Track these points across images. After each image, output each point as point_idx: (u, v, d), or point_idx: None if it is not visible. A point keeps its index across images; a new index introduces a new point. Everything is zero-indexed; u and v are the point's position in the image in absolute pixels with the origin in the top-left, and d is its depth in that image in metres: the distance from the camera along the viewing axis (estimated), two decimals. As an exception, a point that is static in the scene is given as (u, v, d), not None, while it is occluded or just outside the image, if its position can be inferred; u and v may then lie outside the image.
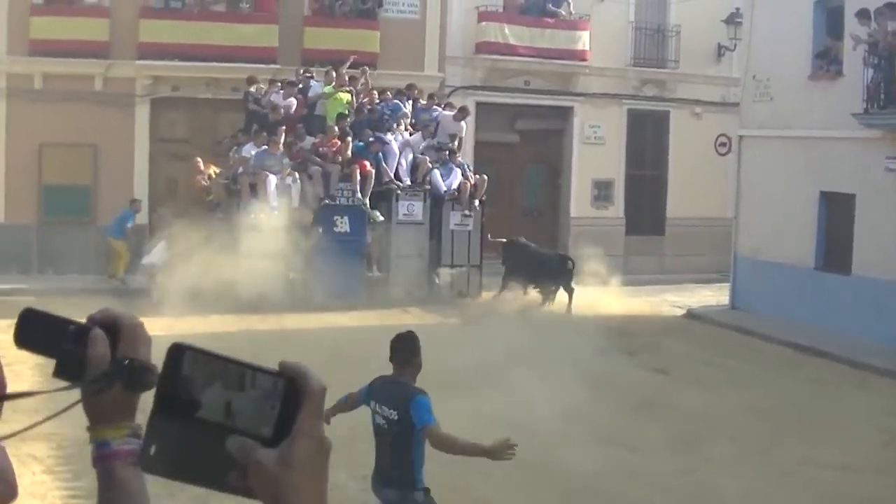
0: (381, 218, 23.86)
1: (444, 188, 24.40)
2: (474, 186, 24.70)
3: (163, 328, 19.10)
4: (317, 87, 25.14)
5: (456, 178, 24.62)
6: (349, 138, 23.81)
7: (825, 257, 22.86)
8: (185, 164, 25.80)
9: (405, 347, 8.02)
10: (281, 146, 23.36)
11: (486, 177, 25.08)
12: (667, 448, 13.26)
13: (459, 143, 25.71)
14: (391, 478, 7.95)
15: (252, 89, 24.83)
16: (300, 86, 25.20)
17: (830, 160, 22.34)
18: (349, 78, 25.30)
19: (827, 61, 22.96)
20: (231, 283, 21.96)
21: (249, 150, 23.45)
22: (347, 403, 8.33)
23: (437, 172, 24.41)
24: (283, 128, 23.82)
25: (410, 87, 25.87)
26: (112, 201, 25.34)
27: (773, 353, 20.31)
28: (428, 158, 24.66)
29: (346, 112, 24.37)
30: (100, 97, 25.80)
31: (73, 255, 24.74)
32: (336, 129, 23.83)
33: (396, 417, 7.81)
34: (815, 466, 12.38)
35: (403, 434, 7.79)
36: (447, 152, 24.72)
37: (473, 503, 10.97)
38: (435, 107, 25.90)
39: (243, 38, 26.10)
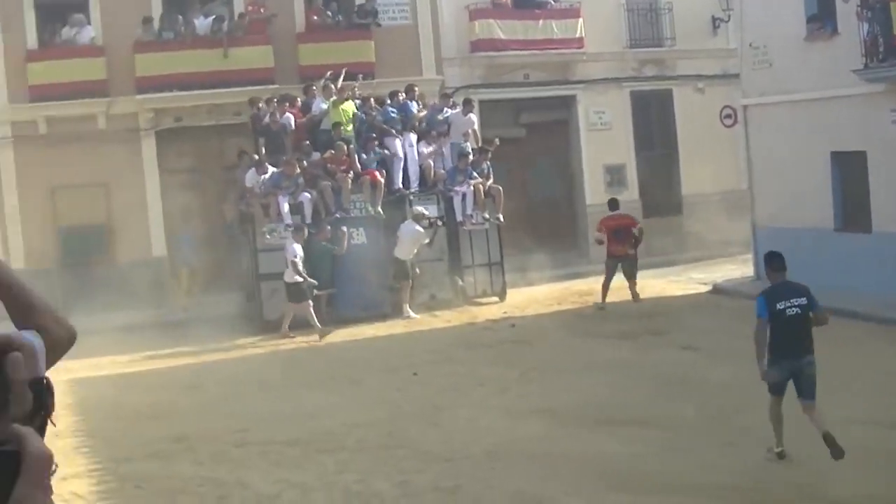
0: (428, 213, 23.72)
1: (461, 214, 24.41)
2: (490, 195, 24.64)
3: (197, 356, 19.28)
4: (319, 102, 25.14)
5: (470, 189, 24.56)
6: (352, 146, 23.82)
7: (844, 218, 22.75)
8: (197, 192, 25.95)
9: (778, 259, 11.89)
10: (296, 166, 23.33)
11: (500, 188, 24.99)
12: (703, 423, 13.23)
13: (475, 137, 25.73)
14: (807, 347, 11.43)
15: (259, 107, 24.70)
16: (300, 102, 25.21)
17: (837, 120, 22.25)
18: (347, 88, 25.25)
19: (821, 21, 22.88)
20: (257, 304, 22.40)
21: (253, 178, 23.48)
22: (764, 329, 11.46)
23: (456, 200, 24.42)
24: (291, 146, 23.97)
25: (409, 88, 25.82)
26: (128, 237, 25.51)
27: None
28: (433, 164, 24.67)
29: (345, 121, 24.26)
30: (105, 135, 25.94)
31: (96, 294, 24.82)
32: (345, 147, 23.77)
33: (805, 302, 11.51)
34: (859, 425, 12.31)
35: (807, 314, 11.49)
36: (471, 155, 24.71)
37: (511, 498, 10.95)
38: (446, 108, 25.84)
39: (239, 61, 26.20)
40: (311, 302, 21.48)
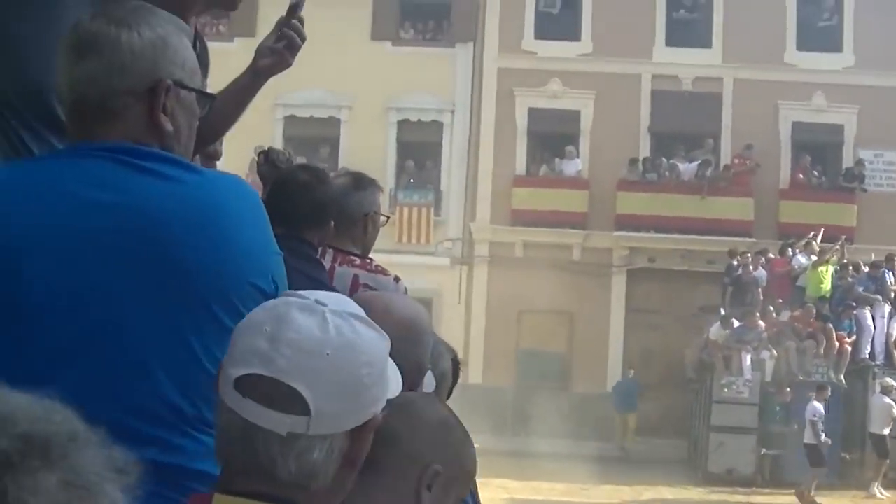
0: None
1: None
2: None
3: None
4: (799, 259, 24.48)
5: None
6: (829, 324, 22.92)
7: None
8: (659, 334, 25.99)
9: None
10: (760, 321, 22.84)
11: None
12: None
13: None
14: None
15: (734, 262, 24.52)
16: (778, 256, 24.73)
17: None
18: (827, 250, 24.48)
19: None
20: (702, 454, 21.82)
21: (718, 329, 23.16)
22: None
23: None
24: (761, 300, 23.47)
25: (889, 257, 24.56)
26: (586, 368, 25.85)
27: None
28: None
29: (821, 283, 23.48)
30: (577, 266, 26.60)
31: (546, 418, 25.20)
32: (813, 308, 23.02)
33: None
34: None
35: None
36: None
37: None
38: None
39: (719, 210, 26.18)
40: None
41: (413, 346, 2.32)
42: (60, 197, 1.91)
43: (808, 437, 20.48)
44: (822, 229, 24.82)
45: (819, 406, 20.64)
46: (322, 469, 1.52)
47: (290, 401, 1.50)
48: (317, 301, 1.58)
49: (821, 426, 20.39)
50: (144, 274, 1.89)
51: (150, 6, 2.08)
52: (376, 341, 1.59)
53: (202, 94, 2.11)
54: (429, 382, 2.61)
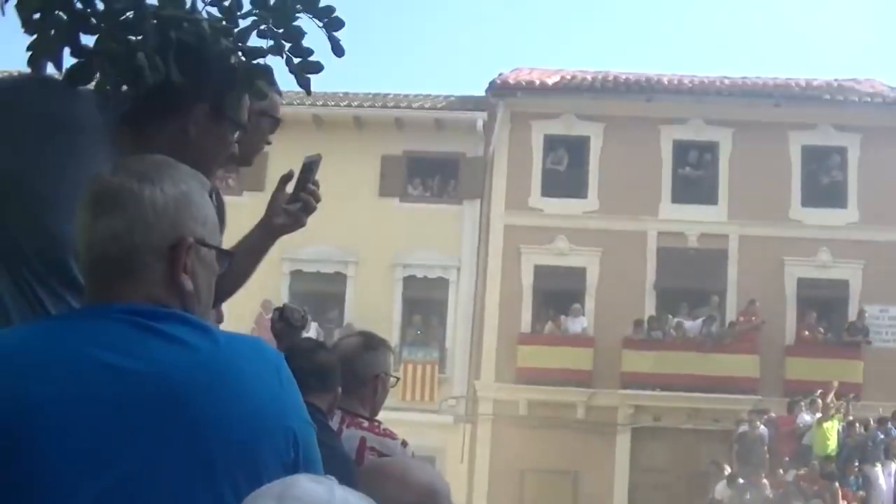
0: None
1: None
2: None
3: None
4: (804, 416, 24.21)
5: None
6: (836, 483, 22.57)
7: None
8: (664, 494, 25.59)
9: None
10: (764, 480, 22.52)
11: None
12: None
13: None
14: None
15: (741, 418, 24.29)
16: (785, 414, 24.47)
17: None
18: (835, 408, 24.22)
19: None
20: None
21: (724, 490, 22.85)
22: None
23: None
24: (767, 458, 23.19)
25: (896, 414, 24.30)
26: (591, 530, 25.45)
27: None
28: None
29: (828, 440, 23.17)
30: (581, 425, 26.39)
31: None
32: (818, 466, 22.69)
33: None
34: None
35: None
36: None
37: None
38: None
39: (724, 368, 25.99)
40: None
41: None
42: (79, 362, 1.85)
43: None
44: (836, 385, 24.57)
45: None
46: None
47: None
48: (327, 476, 1.64)
49: None
50: (165, 444, 1.83)
51: (171, 160, 2.05)
52: None
53: (222, 252, 2.10)
54: None
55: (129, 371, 1.85)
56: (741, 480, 22.71)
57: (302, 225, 3.00)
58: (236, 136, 2.64)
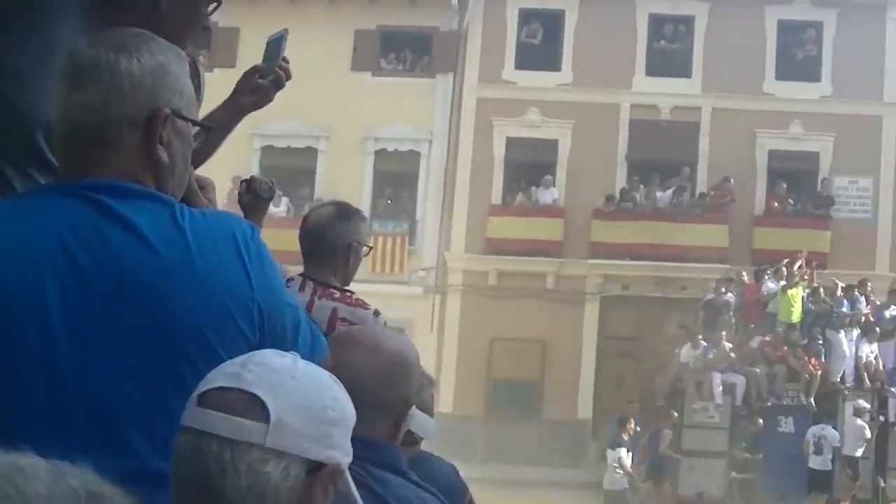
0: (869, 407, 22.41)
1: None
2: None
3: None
4: (769, 284, 24.33)
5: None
6: (799, 348, 22.83)
7: None
8: (631, 361, 25.82)
9: None
10: (726, 344, 22.75)
11: None
12: None
13: None
14: None
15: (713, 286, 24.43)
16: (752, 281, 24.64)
17: None
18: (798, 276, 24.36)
19: None
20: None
21: (688, 353, 23.06)
22: None
23: (892, 402, 22.74)
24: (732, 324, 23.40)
25: (862, 282, 24.41)
26: (557, 397, 25.70)
27: None
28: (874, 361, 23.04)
29: (792, 308, 23.33)
30: (551, 294, 26.54)
31: (517, 447, 25.07)
32: (782, 333, 22.96)
33: None
34: None
35: None
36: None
37: None
38: (893, 306, 24.19)
39: (693, 238, 26.03)
40: None
41: (401, 380, 2.30)
42: (46, 243, 1.82)
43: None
44: (803, 254, 24.65)
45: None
46: (273, 494, 1.45)
47: (250, 408, 1.47)
48: (292, 352, 1.60)
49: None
50: (121, 332, 1.80)
51: (148, 33, 2.00)
52: (343, 394, 1.58)
53: (199, 125, 2.07)
54: (418, 420, 2.55)
55: (84, 269, 1.82)
56: (704, 343, 22.90)
57: (270, 101, 2.96)
58: (209, 8, 2.54)
